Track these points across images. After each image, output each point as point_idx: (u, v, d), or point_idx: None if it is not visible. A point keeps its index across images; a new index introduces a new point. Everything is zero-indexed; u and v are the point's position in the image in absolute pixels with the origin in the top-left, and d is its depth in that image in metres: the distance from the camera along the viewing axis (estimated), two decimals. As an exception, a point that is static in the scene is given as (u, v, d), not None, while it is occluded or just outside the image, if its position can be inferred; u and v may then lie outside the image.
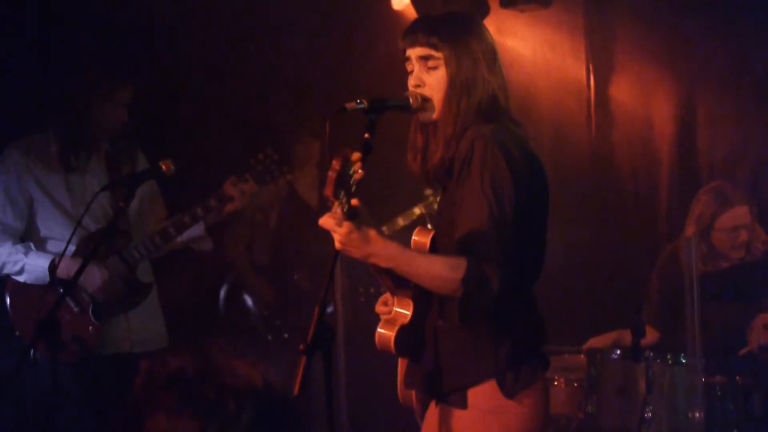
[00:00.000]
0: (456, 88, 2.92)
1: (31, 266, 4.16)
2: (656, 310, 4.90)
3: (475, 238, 2.79)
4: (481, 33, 2.99)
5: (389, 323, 2.98)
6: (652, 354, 4.40)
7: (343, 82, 5.78)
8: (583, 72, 6.22)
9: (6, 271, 4.21)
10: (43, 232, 4.26)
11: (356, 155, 2.63)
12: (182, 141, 5.23)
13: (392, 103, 2.94)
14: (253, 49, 5.82)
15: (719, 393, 4.46)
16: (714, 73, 5.79)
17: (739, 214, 4.78)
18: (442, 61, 2.93)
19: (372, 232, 2.73)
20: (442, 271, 2.79)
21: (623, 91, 6.17)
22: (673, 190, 5.95)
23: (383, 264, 2.80)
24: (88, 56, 4.50)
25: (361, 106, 2.84)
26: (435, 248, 2.96)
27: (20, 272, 4.19)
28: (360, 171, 2.61)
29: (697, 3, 5.73)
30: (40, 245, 4.23)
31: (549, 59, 6.24)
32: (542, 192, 2.99)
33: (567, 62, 6.24)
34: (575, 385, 4.73)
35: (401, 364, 3.09)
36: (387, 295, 3.08)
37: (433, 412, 2.99)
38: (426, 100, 2.96)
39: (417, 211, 5.62)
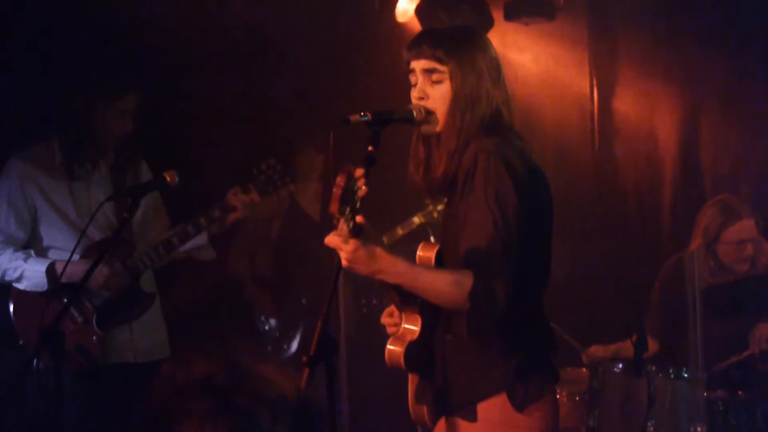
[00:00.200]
0: (460, 102, 2.93)
1: (30, 272, 4.16)
2: (657, 322, 4.90)
3: (480, 251, 2.80)
4: (485, 47, 3.01)
5: (398, 339, 2.98)
6: (654, 368, 4.40)
7: (347, 94, 5.79)
8: (587, 85, 6.24)
9: (7, 278, 4.22)
10: (47, 242, 4.27)
11: (360, 171, 2.64)
12: (184, 150, 5.23)
13: (396, 115, 2.94)
14: (257, 61, 5.83)
15: (721, 407, 4.46)
16: (717, 87, 5.79)
17: (746, 227, 4.79)
18: (446, 75, 2.94)
19: (378, 249, 2.73)
20: (448, 286, 2.79)
21: (627, 105, 6.18)
22: (676, 204, 5.95)
23: (390, 280, 2.81)
24: (91, 65, 4.52)
25: (365, 118, 2.85)
26: (440, 262, 2.96)
27: (20, 279, 4.20)
28: (364, 187, 2.61)
29: (701, 18, 5.74)
30: (44, 254, 4.24)
31: (553, 72, 6.25)
32: (546, 204, 2.99)
33: (570, 75, 6.26)
34: (577, 398, 4.73)
35: (412, 380, 3.09)
36: (392, 307, 3.09)
37: (441, 425, 3.00)
38: (429, 113, 2.96)
39: (416, 220, 5.61)
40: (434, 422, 3.04)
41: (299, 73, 5.98)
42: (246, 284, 5.81)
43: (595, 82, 6.22)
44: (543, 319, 3.02)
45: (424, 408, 3.05)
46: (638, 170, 6.12)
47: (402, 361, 2.96)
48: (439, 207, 5.32)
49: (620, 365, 4.60)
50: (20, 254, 4.21)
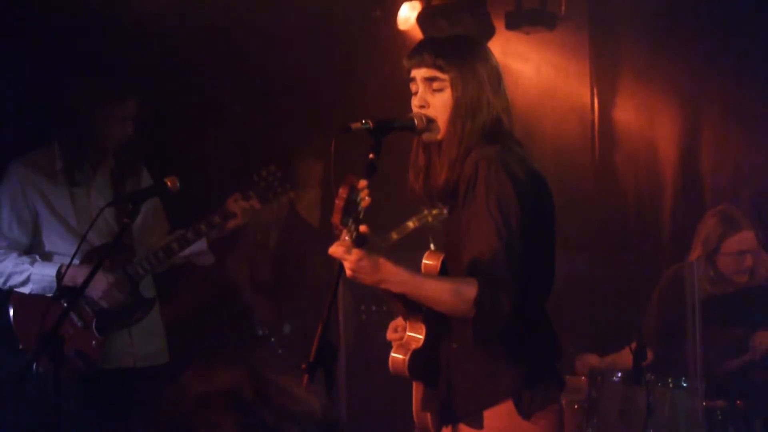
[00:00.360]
0: (461, 110, 2.94)
1: (38, 275, 4.17)
2: (653, 331, 4.90)
3: (484, 259, 2.81)
4: (486, 56, 3.02)
5: (402, 347, 2.99)
6: (653, 377, 4.40)
7: (347, 101, 5.80)
8: (588, 95, 6.24)
9: (11, 282, 4.23)
10: (48, 247, 4.28)
11: (363, 183, 2.65)
12: (184, 156, 5.24)
13: (397, 123, 2.95)
14: (258, 69, 5.83)
15: (720, 417, 4.46)
16: (718, 98, 5.80)
17: (746, 238, 4.79)
18: (447, 83, 2.95)
19: (382, 259, 2.73)
20: (452, 295, 2.80)
21: (627, 115, 6.19)
22: (676, 214, 5.95)
23: (394, 289, 2.82)
24: (91, 70, 4.53)
25: (367, 126, 2.86)
26: (445, 270, 2.97)
27: (26, 282, 4.20)
28: (367, 198, 2.63)
29: (703, 27, 5.75)
30: (46, 259, 4.24)
31: (553, 81, 6.26)
32: (548, 209, 3.00)
33: (571, 85, 6.26)
34: (576, 407, 4.73)
35: (416, 388, 3.10)
36: (397, 321, 3.09)
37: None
38: (431, 121, 2.98)
39: (411, 225, 5.59)
40: (438, 430, 3.04)
41: (299, 80, 5.98)
42: (245, 290, 5.82)
43: (595, 92, 6.23)
44: (548, 325, 3.02)
45: (428, 415, 3.05)
46: (638, 180, 6.13)
47: (406, 369, 2.97)
48: (434, 212, 5.32)
49: (619, 374, 4.61)
50: (26, 258, 4.21)
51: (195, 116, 5.59)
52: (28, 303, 4.20)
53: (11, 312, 4.26)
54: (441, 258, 2.98)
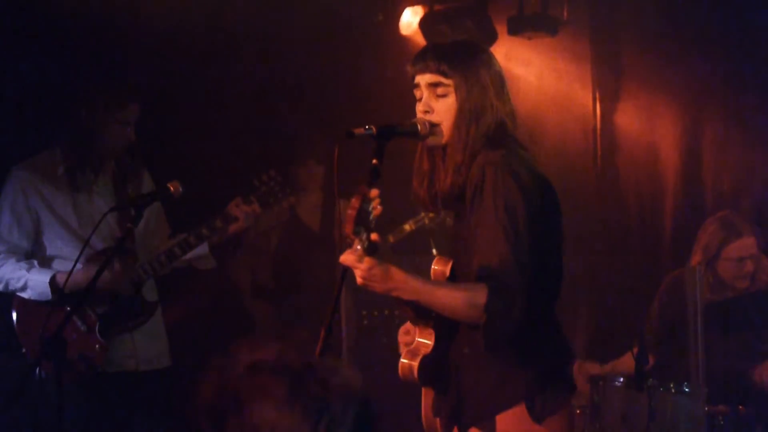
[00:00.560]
0: (465, 115, 2.96)
1: (34, 282, 4.17)
2: (655, 336, 4.90)
3: (493, 265, 2.83)
4: (489, 61, 3.03)
5: (412, 353, 3.01)
6: (655, 382, 4.40)
7: (349, 106, 5.81)
8: (589, 100, 6.25)
9: (10, 287, 4.23)
10: (50, 251, 4.28)
11: (375, 192, 2.67)
12: (185, 160, 5.25)
13: (401, 129, 2.97)
14: (259, 74, 5.85)
15: (722, 422, 4.46)
16: (720, 103, 5.81)
17: (747, 245, 4.79)
18: (451, 88, 2.96)
19: (393, 267, 2.76)
20: (463, 301, 2.82)
21: (629, 120, 6.19)
22: (678, 219, 5.96)
23: (406, 297, 2.84)
24: (92, 74, 4.54)
25: (370, 131, 2.87)
26: (453, 276, 2.99)
27: (24, 288, 4.20)
28: (379, 207, 2.65)
29: (704, 33, 5.76)
30: (47, 264, 4.25)
31: (555, 87, 6.27)
32: (554, 212, 3.02)
33: (573, 90, 6.27)
34: (578, 411, 4.72)
35: (425, 394, 3.11)
36: (408, 325, 3.11)
37: None
38: (434, 126, 2.99)
39: (407, 227, 5.60)
40: None
41: (301, 85, 5.99)
42: (246, 294, 5.83)
43: (597, 97, 6.23)
44: (558, 328, 3.04)
45: (438, 421, 3.06)
46: (640, 185, 6.13)
47: (416, 374, 2.98)
48: (431, 215, 5.33)
49: (621, 379, 4.60)
50: (23, 264, 4.21)
51: (196, 120, 5.59)
52: (31, 307, 4.21)
53: (14, 316, 4.26)
54: (450, 264, 3.00)
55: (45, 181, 4.29)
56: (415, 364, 2.98)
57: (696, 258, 4.85)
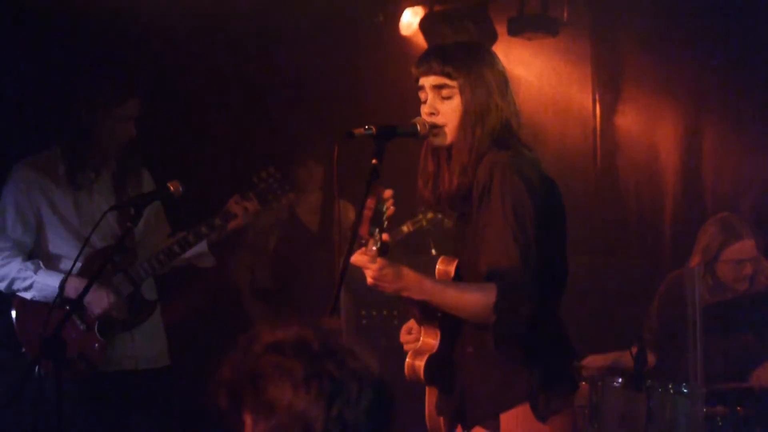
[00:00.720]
0: (470, 116, 2.97)
1: (41, 284, 4.17)
2: (655, 336, 4.91)
3: (502, 265, 2.85)
4: (493, 62, 3.05)
5: (417, 353, 3.02)
6: (653, 383, 4.40)
7: (349, 106, 5.81)
8: (589, 101, 6.25)
9: (15, 287, 4.23)
10: (51, 249, 4.28)
11: (389, 192, 2.69)
12: (184, 158, 5.25)
13: (400, 129, 2.98)
14: (260, 72, 5.85)
15: (720, 423, 4.46)
16: (720, 105, 5.81)
17: (746, 247, 4.79)
18: (456, 90, 2.98)
19: (404, 268, 2.79)
20: (474, 300, 2.85)
21: (629, 121, 6.20)
22: (677, 220, 5.96)
23: (416, 297, 2.86)
24: (91, 71, 4.53)
25: (370, 132, 2.89)
26: (459, 275, 3.00)
27: (28, 288, 4.21)
28: (392, 207, 2.67)
29: (704, 34, 5.76)
30: (48, 262, 4.25)
31: (555, 88, 6.27)
32: (560, 212, 3.04)
33: (573, 91, 6.28)
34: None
35: (430, 393, 3.12)
36: (410, 323, 3.12)
37: None
38: (435, 127, 3.00)
39: (405, 229, 5.60)
40: None
41: (301, 84, 6.00)
42: (245, 294, 5.82)
43: (597, 98, 6.24)
44: (562, 328, 3.05)
45: (442, 420, 3.07)
46: (640, 186, 6.14)
47: (422, 374, 2.99)
48: (429, 215, 5.32)
49: (620, 379, 4.61)
50: (29, 264, 4.21)
51: (196, 120, 5.60)
52: (31, 306, 4.21)
53: (14, 315, 4.26)
54: (454, 263, 3.01)
55: (47, 179, 4.30)
56: (421, 363, 2.99)
57: (695, 259, 4.85)
